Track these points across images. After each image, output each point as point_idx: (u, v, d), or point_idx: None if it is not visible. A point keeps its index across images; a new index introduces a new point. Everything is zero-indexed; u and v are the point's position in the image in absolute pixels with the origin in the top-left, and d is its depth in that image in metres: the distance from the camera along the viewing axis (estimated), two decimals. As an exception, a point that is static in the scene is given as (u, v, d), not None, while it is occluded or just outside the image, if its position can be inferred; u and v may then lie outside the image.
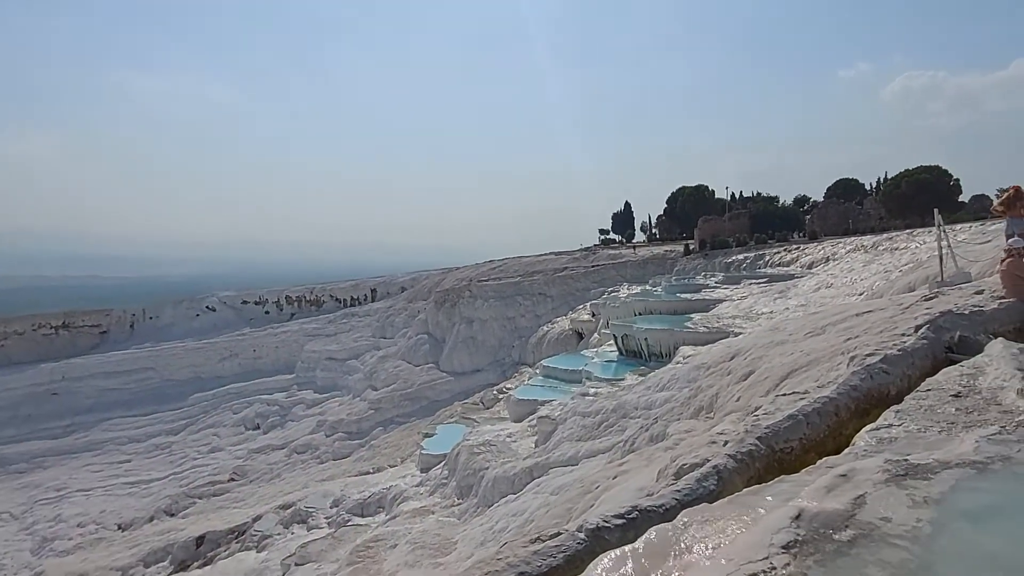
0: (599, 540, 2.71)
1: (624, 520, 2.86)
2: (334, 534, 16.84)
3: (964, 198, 37.96)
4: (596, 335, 28.12)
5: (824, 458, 3.04)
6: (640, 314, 23.89)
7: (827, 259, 27.50)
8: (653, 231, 61.87)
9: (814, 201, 53.87)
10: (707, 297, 23.90)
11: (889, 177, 43.92)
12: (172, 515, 30.65)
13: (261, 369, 51.90)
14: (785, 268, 29.95)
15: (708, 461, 3.49)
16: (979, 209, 31.13)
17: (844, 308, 9.04)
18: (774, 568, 1.82)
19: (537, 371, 25.36)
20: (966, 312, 5.28)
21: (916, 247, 21.74)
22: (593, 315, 32.35)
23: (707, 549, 2.13)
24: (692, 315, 20.37)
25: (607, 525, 2.80)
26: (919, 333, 4.85)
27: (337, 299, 62.23)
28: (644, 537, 2.34)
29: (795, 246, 34.55)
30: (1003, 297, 5.75)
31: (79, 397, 48.61)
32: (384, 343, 47.95)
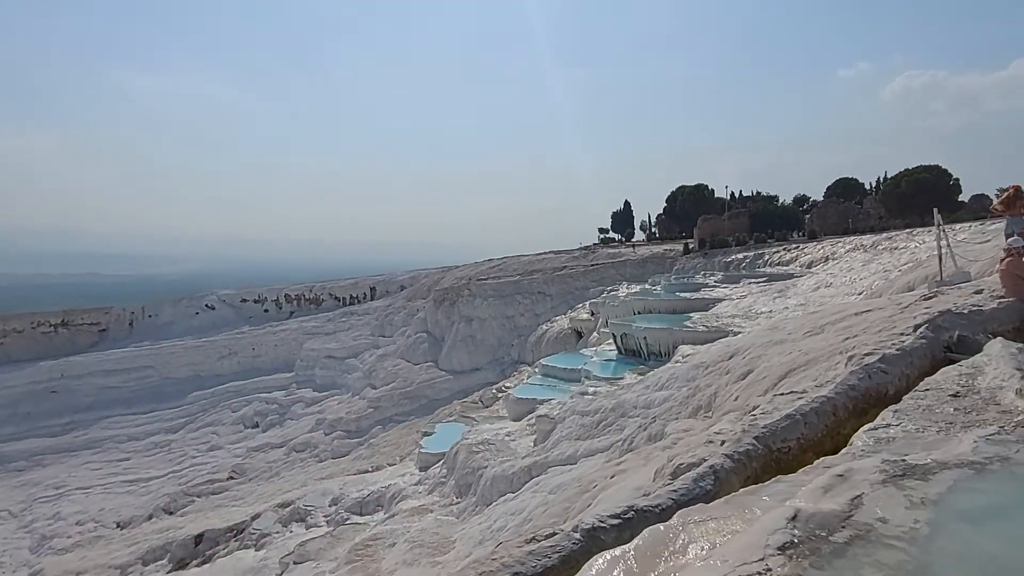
0: (595, 540, 2.70)
1: (620, 520, 2.84)
2: (333, 532, 16.84)
3: (964, 198, 37.97)
4: (595, 334, 28.11)
5: (822, 458, 3.03)
6: (639, 313, 23.87)
7: (826, 258, 27.49)
8: (653, 230, 61.87)
9: (814, 200, 53.88)
10: (706, 296, 23.90)
11: (889, 177, 43.93)
12: (171, 513, 30.64)
13: (260, 367, 51.87)
14: (784, 267, 29.94)
15: (705, 461, 3.47)
16: (979, 209, 31.12)
17: (843, 307, 9.03)
18: (769, 570, 1.80)
19: (536, 370, 25.35)
20: (965, 311, 5.26)
21: (915, 247, 21.73)
22: (592, 314, 32.34)
23: (702, 550, 2.11)
24: (691, 314, 20.36)
25: (603, 525, 2.78)
26: (918, 332, 4.83)
27: (336, 297, 62.20)
28: (639, 537, 2.32)
29: (794, 245, 34.53)
30: (1002, 296, 5.74)
31: (78, 395, 48.57)
32: (383, 342, 47.92)
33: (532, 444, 15.19)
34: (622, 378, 16.44)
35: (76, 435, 44.45)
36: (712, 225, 45.04)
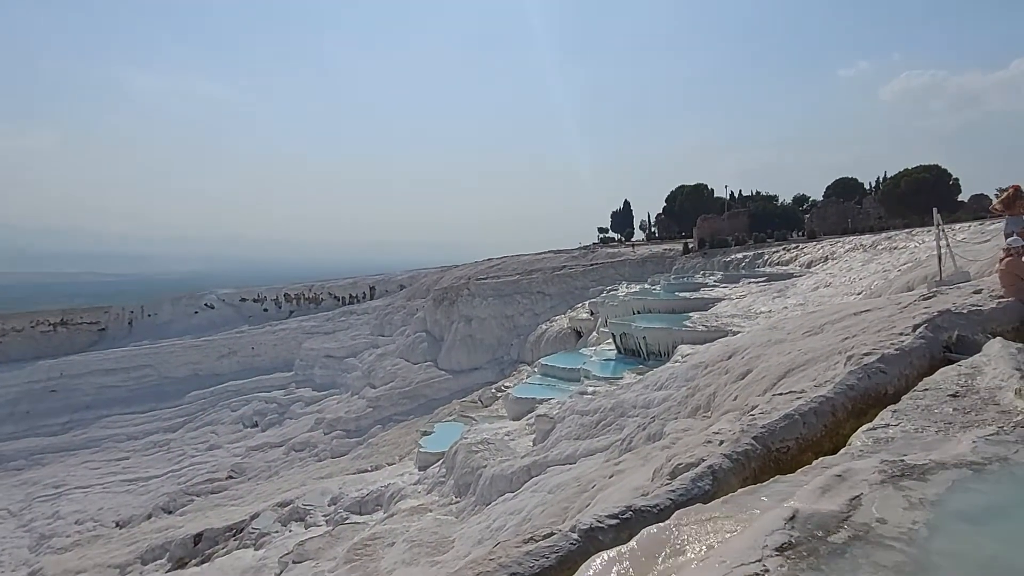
0: (592, 540, 2.69)
1: (618, 520, 2.83)
2: (332, 532, 16.83)
3: (963, 197, 37.95)
4: (595, 333, 28.11)
5: (820, 458, 3.02)
6: (639, 313, 23.87)
7: (826, 258, 27.49)
8: (652, 230, 61.88)
9: (813, 200, 53.89)
10: (706, 296, 23.89)
11: (888, 176, 43.93)
12: (170, 512, 30.63)
13: (259, 367, 51.83)
14: (784, 267, 29.94)
15: (703, 461, 3.46)
16: (978, 208, 31.12)
17: (842, 307, 9.02)
18: (767, 571, 1.79)
19: (535, 369, 25.34)
20: (964, 311, 5.26)
21: (915, 246, 21.73)
22: (592, 313, 32.33)
23: (700, 551, 2.10)
24: (690, 314, 20.35)
25: (600, 525, 2.77)
26: (917, 332, 4.83)
27: (336, 297, 62.18)
28: (637, 538, 2.31)
29: (794, 245, 34.53)
30: (1002, 296, 5.73)
31: (77, 394, 48.54)
32: (382, 341, 47.89)
33: (531, 444, 15.18)
34: (621, 378, 16.43)
35: (75, 434, 44.42)
36: (711, 225, 45.03)
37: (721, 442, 3.87)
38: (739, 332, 14.18)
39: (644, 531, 2.36)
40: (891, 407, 3.37)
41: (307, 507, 20.02)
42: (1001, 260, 5.98)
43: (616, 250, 51.78)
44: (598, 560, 2.28)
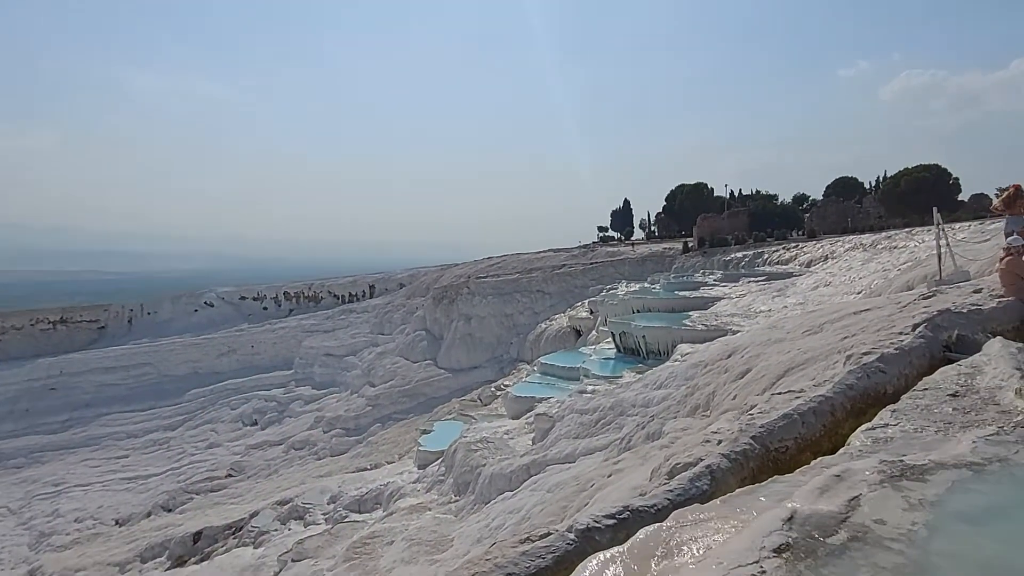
0: (589, 541, 2.67)
1: (615, 520, 2.81)
2: (331, 530, 16.83)
3: (963, 197, 37.93)
4: (594, 332, 28.08)
5: (819, 458, 3.00)
6: (638, 311, 23.85)
7: (826, 257, 27.48)
8: (652, 229, 61.86)
9: (813, 199, 53.85)
10: (705, 295, 23.88)
11: (888, 176, 43.91)
12: (169, 511, 30.62)
13: (259, 365, 51.83)
14: (783, 266, 29.92)
15: (702, 460, 3.45)
16: (978, 208, 31.10)
17: (842, 306, 9.00)
18: (764, 572, 1.78)
19: (535, 368, 25.33)
20: (964, 311, 5.24)
21: (915, 246, 21.71)
22: (591, 312, 32.31)
23: (697, 551, 2.08)
24: (690, 313, 20.33)
25: (597, 526, 2.76)
26: (917, 332, 4.81)
27: (335, 295, 62.17)
28: (634, 538, 2.29)
29: (794, 244, 34.52)
30: (1002, 296, 5.71)
31: (77, 392, 48.54)
32: (382, 339, 47.89)
33: (530, 442, 15.17)
34: (621, 377, 16.42)
35: (75, 432, 44.43)
36: (711, 224, 45.00)
37: (719, 442, 3.85)
38: (738, 331, 14.17)
39: (641, 531, 2.34)
40: (890, 407, 3.36)
41: (306, 505, 20.02)
42: (1001, 259, 5.96)
43: (616, 249, 51.75)
44: (595, 561, 2.27)
